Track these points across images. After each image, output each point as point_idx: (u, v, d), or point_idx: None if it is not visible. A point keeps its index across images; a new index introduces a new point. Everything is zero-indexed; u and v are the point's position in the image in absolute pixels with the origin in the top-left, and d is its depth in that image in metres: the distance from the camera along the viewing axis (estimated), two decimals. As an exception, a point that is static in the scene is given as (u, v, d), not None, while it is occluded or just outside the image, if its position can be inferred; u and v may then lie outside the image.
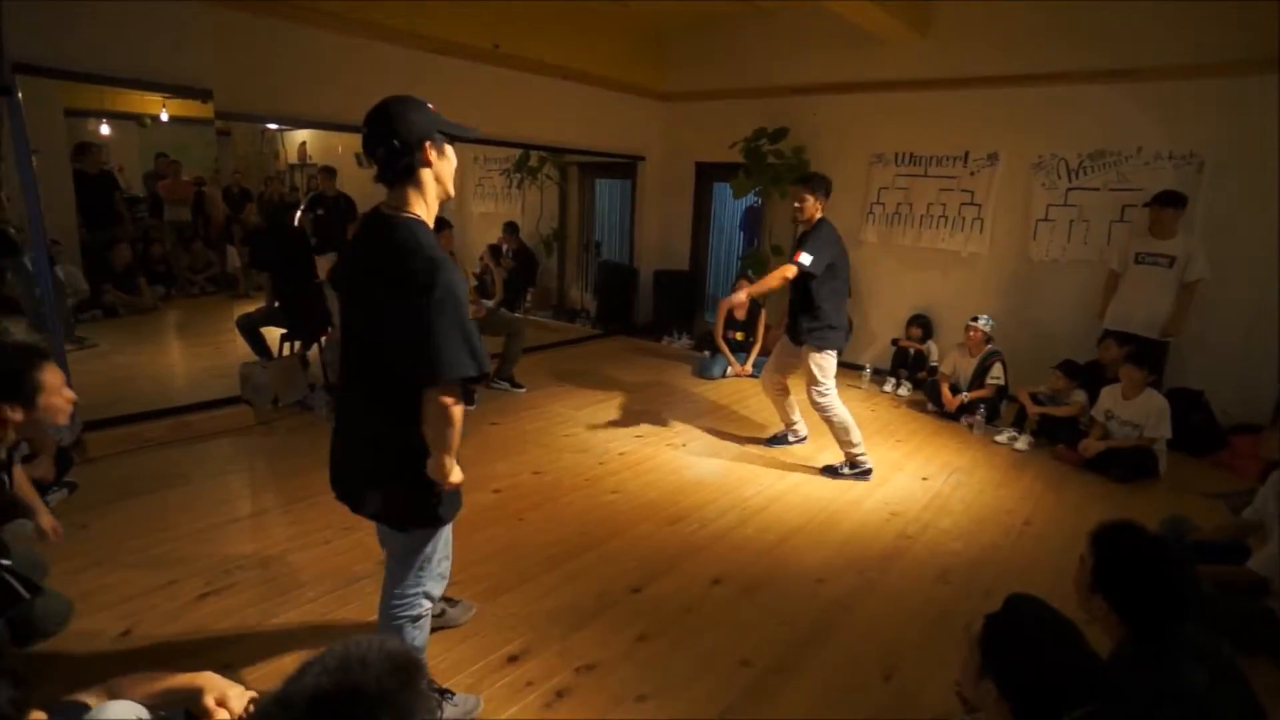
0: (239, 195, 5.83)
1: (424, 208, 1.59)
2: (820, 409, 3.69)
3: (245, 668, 2.07)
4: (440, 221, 5.01)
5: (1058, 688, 1.24)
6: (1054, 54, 4.73)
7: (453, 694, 1.95)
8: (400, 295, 1.48)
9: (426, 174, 1.56)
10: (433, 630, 2.28)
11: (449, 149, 1.60)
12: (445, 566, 1.89)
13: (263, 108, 4.21)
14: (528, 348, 5.40)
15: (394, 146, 1.50)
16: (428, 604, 1.82)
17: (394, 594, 1.78)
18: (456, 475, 1.65)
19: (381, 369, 1.58)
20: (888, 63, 5.46)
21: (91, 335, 4.12)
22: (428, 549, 1.76)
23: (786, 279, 3.48)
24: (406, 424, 1.57)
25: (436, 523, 1.72)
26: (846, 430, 3.70)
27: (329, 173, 5.77)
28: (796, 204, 3.61)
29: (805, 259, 3.46)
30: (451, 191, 1.64)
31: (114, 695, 1.23)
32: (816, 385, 3.65)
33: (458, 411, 1.54)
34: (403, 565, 1.77)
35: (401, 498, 1.67)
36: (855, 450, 3.74)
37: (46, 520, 2.15)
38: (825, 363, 3.64)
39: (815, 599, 2.61)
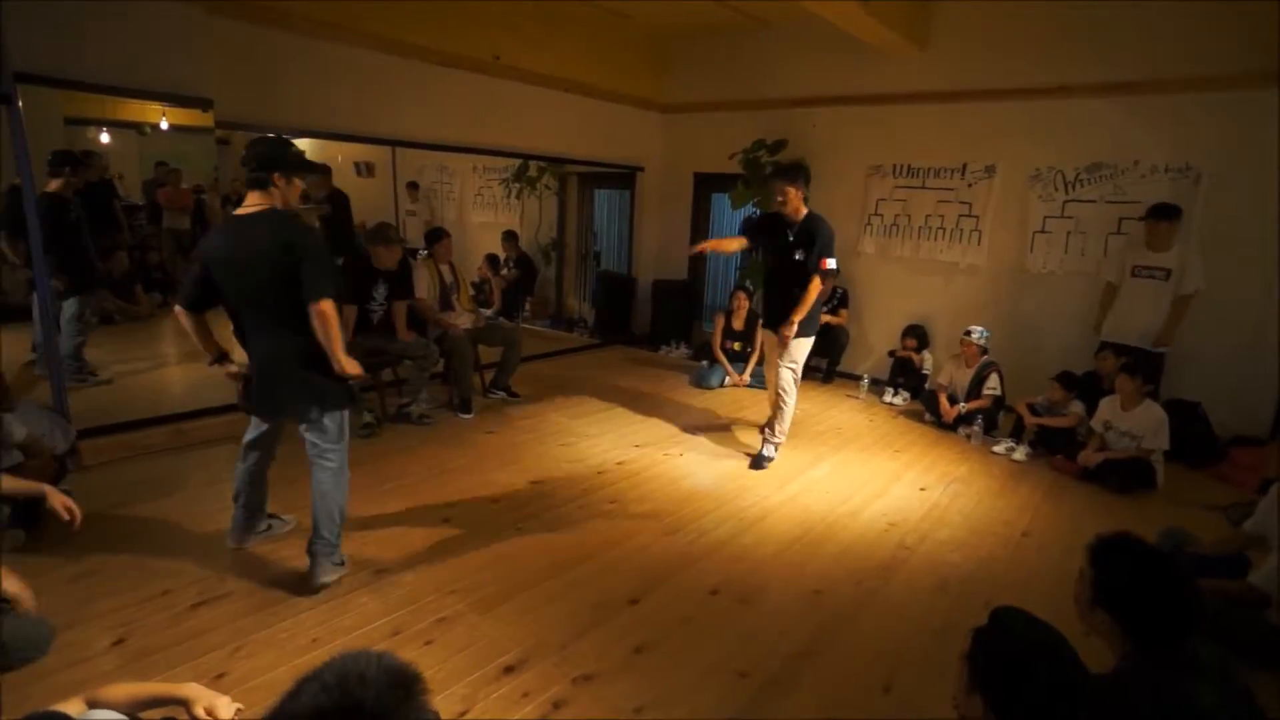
0: (238, 204, 5.85)
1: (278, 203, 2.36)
2: (788, 391, 3.94)
3: (238, 678, 2.05)
4: (438, 231, 5.06)
5: (1044, 702, 1.23)
6: (1052, 67, 4.77)
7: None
8: (302, 256, 2.27)
9: (274, 189, 2.34)
10: (428, 641, 2.27)
11: (296, 180, 2.38)
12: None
13: (263, 117, 4.22)
14: (525, 357, 5.39)
15: (253, 168, 2.31)
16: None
17: (329, 466, 2.52)
18: (352, 367, 2.41)
19: (297, 308, 2.29)
20: (886, 75, 5.50)
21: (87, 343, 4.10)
22: (344, 430, 2.55)
23: (822, 292, 3.75)
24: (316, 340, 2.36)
25: (352, 403, 2.55)
26: (787, 417, 4.02)
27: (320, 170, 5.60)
28: (780, 198, 3.74)
29: (831, 263, 3.71)
30: (294, 205, 2.43)
31: (94, 704, 1.21)
32: (794, 365, 3.93)
33: (335, 314, 2.33)
34: (337, 441, 2.53)
35: (330, 388, 2.43)
36: (780, 439, 4.06)
37: (58, 500, 2.16)
38: (807, 348, 3.97)
39: (814, 610, 2.60)
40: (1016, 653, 1.28)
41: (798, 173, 3.79)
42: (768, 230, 3.91)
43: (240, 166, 2.36)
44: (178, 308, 2.43)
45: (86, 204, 4.00)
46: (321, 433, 2.49)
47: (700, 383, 5.67)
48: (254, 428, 2.67)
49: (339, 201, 5.52)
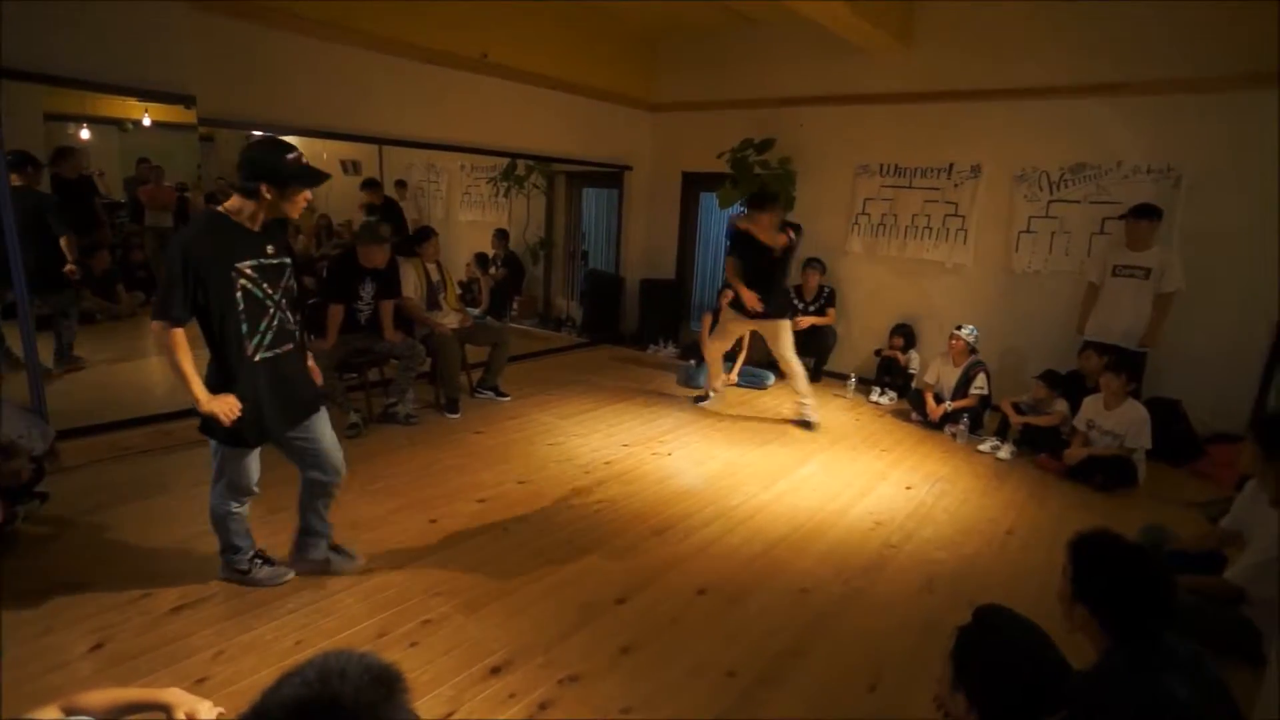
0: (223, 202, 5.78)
1: (239, 210, 2.13)
2: (795, 364, 4.73)
3: (220, 682, 2.03)
4: (426, 230, 5.02)
5: (1026, 697, 1.24)
6: (1037, 68, 4.81)
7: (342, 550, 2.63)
8: None
9: (262, 199, 2.10)
10: (413, 643, 2.25)
11: (296, 193, 2.12)
12: (246, 482, 2.41)
13: (247, 114, 4.17)
14: (513, 356, 5.37)
15: (244, 175, 2.09)
16: (232, 504, 2.42)
17: (212, 491, 2.41)
18: (209, 405, 2.14)
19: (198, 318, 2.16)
20: (873, 75, 5.53)
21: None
22: (219, 462, 2.33)
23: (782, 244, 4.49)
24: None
25: (227, 445, 2.28)
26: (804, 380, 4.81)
27: (371, 185, 5.57)
28: (767, 222, 4.41)
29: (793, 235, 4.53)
30: (294, 216, 2.21)
31: (71, 711, 1.18)
32: (792, 346, 4.72)
33: (165, 339, 2.07)
34: (213, 468, 2.37)
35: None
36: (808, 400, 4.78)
37: None
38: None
39: (800, 609, 2.61)
40: (999, 650, 1.29)
41: (778, 200, 4.62)
42: (748, 240, 4.53)
43: (236, 170, 2.13)
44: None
45: (66, 201, 3.95)
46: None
47: (689, 382, 5.68)
48: None
49: (393, 210, 5.49)
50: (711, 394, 5.16)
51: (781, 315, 4.67)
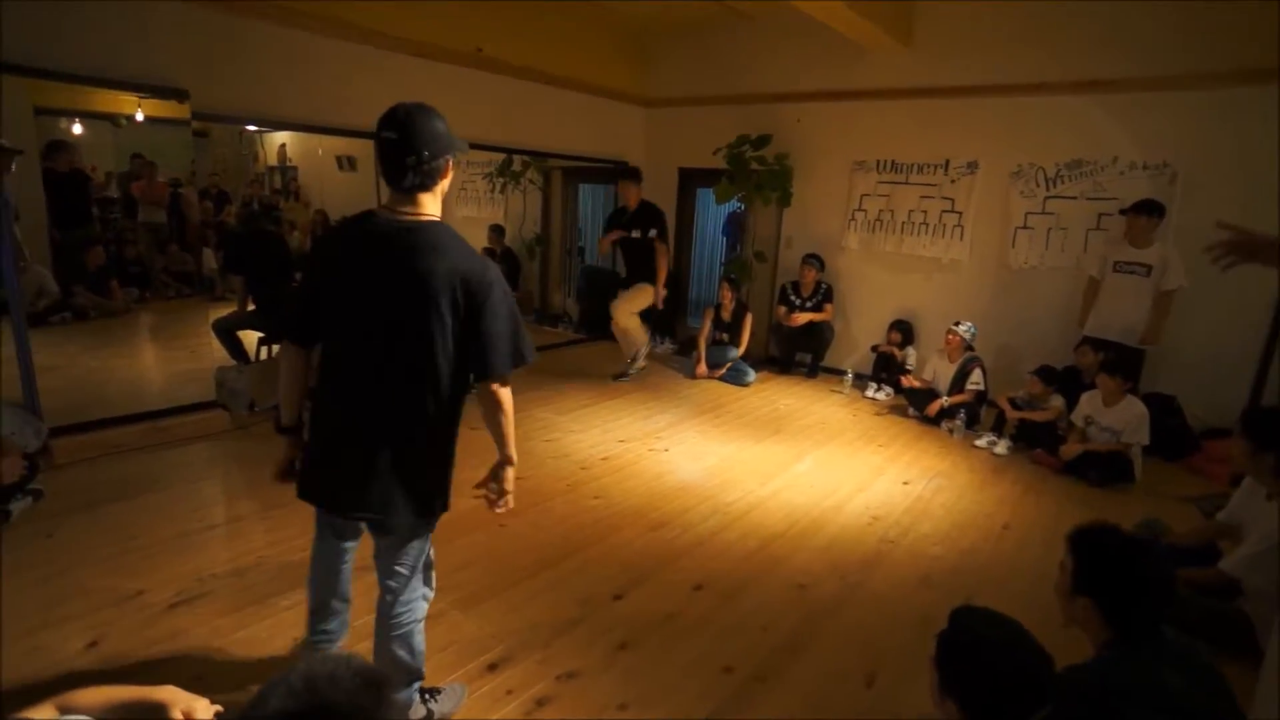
0: (217, 197, 5.73)
1: (437, 213, 1.66)
2: (627, 326, 5.45)
3: (217, 680, 2.02)
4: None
5: (1008, 695, 1.24)
6: (1033, 65, 4.81)
7: (439, 690, 1.95)
8: (466, 297, 1.59)
9: (443, 184, 1.65)
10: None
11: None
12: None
13: (241, 109, 4.15)
14: (510, 352, 5.35)
15: (424, 157, 1.54)
16: (427, 604, 1.87)
17: (400, 601, 1.78)
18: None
19: (426, 369, 1.63)
20: (871, 71, 5.52)
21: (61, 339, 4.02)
22: (429, 549, 1.86)
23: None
24: (448, 424, 1.78)
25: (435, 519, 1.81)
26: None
27: None
28: (624, 194, 5.27)
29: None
30: None
31: (66, 710, 1.17)
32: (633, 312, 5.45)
33: (509, 396, 1.71)
34: (413, 570, 1.79)
35: (427, 502, 1.72)
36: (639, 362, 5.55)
37: None
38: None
39: (797, 604, 2.61)
40: (977, 651, 1.29)
41: (638, 174, 5.38)
42: (615, 217, 5.39)
43: (389, 152, 1.54)
44: (287, 342, 1.70)
45: (60, 196, 3.92)
46: (401, 555, 1.76)
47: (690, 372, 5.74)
48: (318, 529, 1.87)
49: None
50: (636, 368, 5.58)
51: (641, 281, 5.39)
